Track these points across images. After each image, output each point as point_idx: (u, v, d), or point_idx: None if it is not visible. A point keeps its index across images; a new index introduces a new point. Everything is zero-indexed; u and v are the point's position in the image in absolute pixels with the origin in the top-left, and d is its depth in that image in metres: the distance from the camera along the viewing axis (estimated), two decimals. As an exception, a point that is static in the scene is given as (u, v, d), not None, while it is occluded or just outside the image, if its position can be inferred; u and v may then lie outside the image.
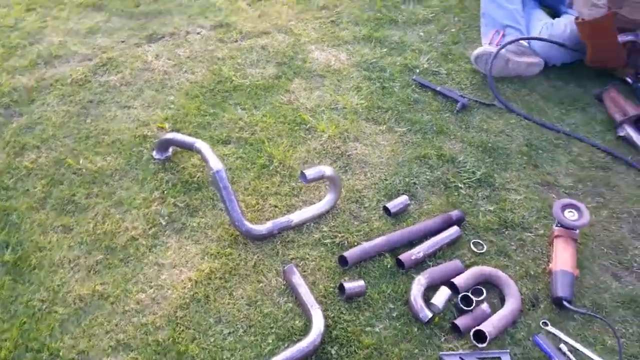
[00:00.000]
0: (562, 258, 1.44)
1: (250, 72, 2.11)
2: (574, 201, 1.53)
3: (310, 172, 1.46)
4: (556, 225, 1.52)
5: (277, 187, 1.65)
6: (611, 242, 1.55)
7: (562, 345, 1.32)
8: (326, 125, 1.85)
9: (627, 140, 1.85)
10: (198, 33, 2.36)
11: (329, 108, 1.94)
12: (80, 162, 1.72)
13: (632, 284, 1.46)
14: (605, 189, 1.70)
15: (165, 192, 1.63)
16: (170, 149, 1.73)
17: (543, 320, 1.36)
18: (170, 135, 1.70)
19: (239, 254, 1.48)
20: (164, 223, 1.55)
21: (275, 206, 1.60)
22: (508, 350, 1.30)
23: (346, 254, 1.43)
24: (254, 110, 1.92)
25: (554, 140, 1.86)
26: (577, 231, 1.48)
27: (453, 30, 2.38)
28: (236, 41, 2.30)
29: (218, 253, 1.47)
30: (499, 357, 1.29)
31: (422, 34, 2.35)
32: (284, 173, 1.70)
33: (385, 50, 2.23)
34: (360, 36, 2.31)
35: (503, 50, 2.03)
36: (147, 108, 1.95)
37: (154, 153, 1.73)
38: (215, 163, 1.51)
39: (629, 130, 1.84)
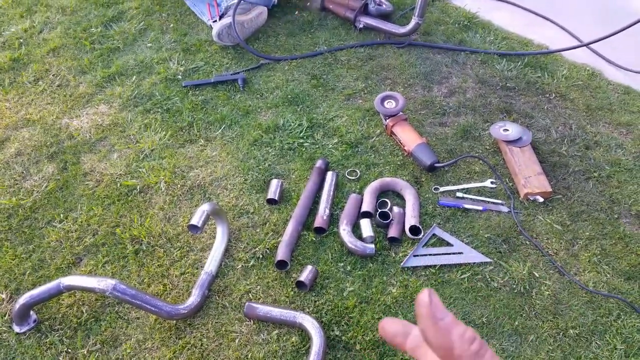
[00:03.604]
0: (409, 138, 1.73)
1: (30, 184, 1.76)
2: (384, 93, 1.81)
3: (196, 220, 1.41)
4: (386, 119, 1.80)
5: (167, 258, 1.55)
6: (421, 104, 1.91)
7: (458, 194, 1.64)
8: (154, 175, 1.75)
9: (368, 28, 2.21)
10: None
11: (140, 160, 1.80)
12: None
13: (454, 122, 1.85)
14: (385, 72, 2.04)
15: (69, 350, 1.38)
16: (32, 312, 1.44)
17: (434, 187, 1.66)
18: (24, 298, 1.40)
19: (194, 335, 1.39)
20: (97, 378, 1.34)
21: (183, 274, 1.51)
22: (435, 225, 1.57)
23: (279, 257, 1.48)
24: (73, 214, 1.67)
25: (325, 62, 2.10)
26: (402, 112, 1.79)
27: (172, 25, 2.36)
28: (-20, 167, 1.86)
29: (175, 353, 1.36)
30: (433, 233, 1.55)
31: (150, 44, 2.27)
32: (161, 242, 1.58)
33: (134, 78, 2.11)
34: (100, 80, 2.11)
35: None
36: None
37: (17, 329, 1.41)
38: (101, 284, 1.33)
39: (365, 20, 2.19)
